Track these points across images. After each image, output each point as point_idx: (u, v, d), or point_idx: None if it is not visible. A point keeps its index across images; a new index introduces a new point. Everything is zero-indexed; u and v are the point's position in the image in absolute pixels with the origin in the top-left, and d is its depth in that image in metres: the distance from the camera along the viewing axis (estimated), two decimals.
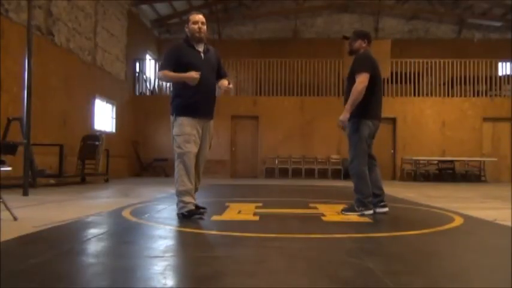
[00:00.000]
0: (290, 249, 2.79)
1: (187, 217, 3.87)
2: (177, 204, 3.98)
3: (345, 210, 4.42)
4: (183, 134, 3.90)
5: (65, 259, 2.38)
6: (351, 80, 4.38)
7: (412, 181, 13.73)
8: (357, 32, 4.67)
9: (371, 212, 4.32)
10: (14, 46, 7.96)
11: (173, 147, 4.01)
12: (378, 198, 4.47)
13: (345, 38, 4.76)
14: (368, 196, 4.34)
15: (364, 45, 4.52)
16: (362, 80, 4.26)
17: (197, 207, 4.03)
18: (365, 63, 4.37)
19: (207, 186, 7.98)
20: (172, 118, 4.04)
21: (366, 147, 4.39)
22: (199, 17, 4.04)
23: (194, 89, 3.88)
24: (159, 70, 4.07)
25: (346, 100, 4.42)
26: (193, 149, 3.92)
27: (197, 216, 3.93)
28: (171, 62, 3.99)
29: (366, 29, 17.46)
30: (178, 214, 3.95)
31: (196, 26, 4.00)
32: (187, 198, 3.91)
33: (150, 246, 2.78)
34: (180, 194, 3.91)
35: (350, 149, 4.45)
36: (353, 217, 4.20)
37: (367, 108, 4.34)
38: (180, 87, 3.96)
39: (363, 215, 4.23)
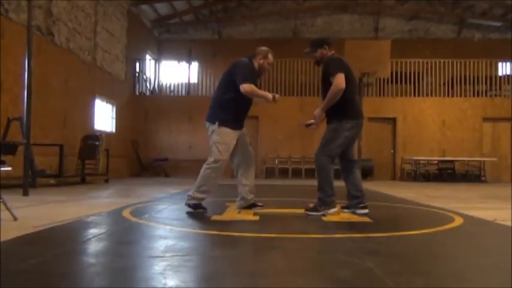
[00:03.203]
0: (290, 249, 2.79)
1: (193, 208, 4.37)
2: (190, 197, 4.41)
3: (308, 210, 4.38)
4: (224, 143, 4.35)
5: (65, 259, 2.38)
6: (327, 85, 4.31)
7: (412, 181, 13.73)
8: (313, 42, 4.55)
9: (335, 210, 4.28)
10: (14, 46, 7.96)
11: (213, 151, 4.37)
12: (357, 200, 4.43)
13: (307, 53, 4.62)
14: (330, 195, 4.29)
15: (325, 51, 4.44)
16: (340, 82, 4.19)
17: (254, 204, 4.66)
18: (337, 64, 4.31)
19: None
20: (213, 125, 4.38)
21: (337, 148, 4.33)
22: (273, 61, 4.61)
23: (242, 108, 4.48)
24: (245, 81, 4.26)
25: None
26: (228, 157, 4.44)
27: (201, 210, 4.38)
28: (251, 78, 4.35)
29: (366, 29, 17.64)
30: (186, 204, 4.43)
31: (269, 67, 4.59)
32: (203, 196, 4.41)
33: (150, 246, 2.79)
34: (202, 192, 4.38)
35: (320, 145, 4.39)
36: (353, 217, 4.20)
37: (345, 110, 4.29)
38: (234, 103, 4.36)
39: (326, 214, 4.21)
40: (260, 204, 4.76)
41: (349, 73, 4.36)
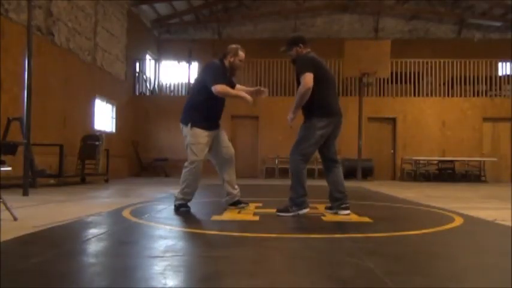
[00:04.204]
0: (290, 249, 2.79)
1: (177, 208, 4.51)
2: (176, 198, 4.60)
3: (279, 211, 4.30)
4: (198, 143, 4.43)
5: (65, 259, 2.38)
6: (299, 84, 4.26)
7: (412, 181, 13.73)
8: (289, 40, 4.50)
9: (306, 210, 4.23)
10: (14, 46, 7.96)
11: (188, 152, 4.49)
12: (338, 202, 4.35)
13: (283, 52, 4.56)
14: (301, 196, 4.24)
15: (300, 49, 4.39)
16: (307, 81, 4.14)
17: (240, 201, 4.77)
18: (305, 64, 4.25)
19: (207, 186, 7.99)
20: (186, 127, 4.49)
21: (311, 147, 4.28)
22: (244, 56, 4.59)
23: (215, 109, 4.53)
24: (215, 83, 4.32)
25: None
26: (204, 157, 4.51)
27: (184, 208, 4.51)
28: (222, 79, 4.41)
29: (366, 29, 17.63)
30: (175, 205, 4.59)
31: (241, 64, 4.59)
32: (187, 197, 4.56)
33: (150, 246, 2.78)
34: (185, 194, 4.52)
35: (294, 144, 4.35)
36: (353, 217, 4.20)
37: (316, 108, 4.24)
38: (206, 105, 4.44)
39: (297, 215, 4.15)
40: (246, 202, 4.85)
41: (321, 72, 4.28)
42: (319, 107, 4.26)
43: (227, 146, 4.69)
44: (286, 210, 4.26)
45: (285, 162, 14.50)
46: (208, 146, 4.52)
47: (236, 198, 4.76)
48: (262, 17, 17.76)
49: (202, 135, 4.45)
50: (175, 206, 4.58)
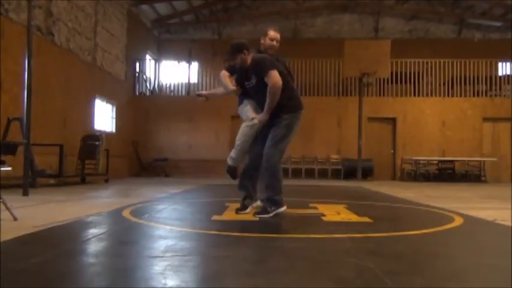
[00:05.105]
0: (290, 249, 2.79)
1: (230, 169, 4.27)
2: (231, 157, 4.30)
3: (257, 213, 4.16)
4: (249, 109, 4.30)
5: (65, 259, 2.38)
6: (261, 87, 4.07)
7: (412, 181, 13.73)
8: (232, 48, 4.21)
9: (284, 208, 4.13)
10: (14, 46, 7.95)
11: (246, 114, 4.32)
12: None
13: (226, 60, 4.46)
14: (279, 193, 4.14)
15: (244, 56, 4.18)
16: (277, 80, 4.00)
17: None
18: (267, 62, 4.10)
19: (206, 186, 7.98)
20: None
21: (287, 144, 4.24)
22: (277, 36, 4.41)
23: (253, 98, 4.29)
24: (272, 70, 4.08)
25: (262, 107, 4.17)
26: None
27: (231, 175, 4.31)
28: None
29: (366, 29, 17.63)
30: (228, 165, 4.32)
31: (273, 43, 4.39)
32: (239, 156, 4.28)
33: (150, 246, 2.78)
34: (239, 151, 4.24)
35: (271, 143, 4.15)
36: (353, 217, 4.20)
37: (294, 103, 4.19)
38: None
39: (276, 215, 4.05)
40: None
41: (280, 67, 4.17)
42: (295, 101, 4.23)
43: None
44: (265, 212, 4.11)
45: (285, 162, 14.50)
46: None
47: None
48: (262, 17, 17.76)
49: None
50: (228, 165, 4.29)
